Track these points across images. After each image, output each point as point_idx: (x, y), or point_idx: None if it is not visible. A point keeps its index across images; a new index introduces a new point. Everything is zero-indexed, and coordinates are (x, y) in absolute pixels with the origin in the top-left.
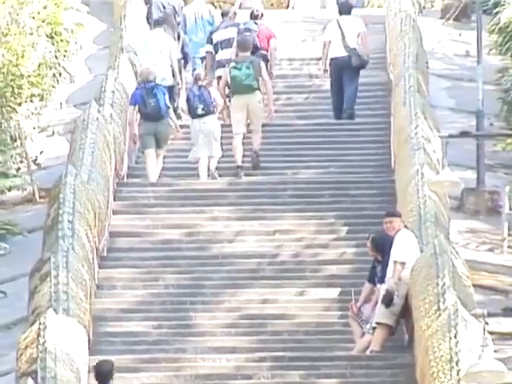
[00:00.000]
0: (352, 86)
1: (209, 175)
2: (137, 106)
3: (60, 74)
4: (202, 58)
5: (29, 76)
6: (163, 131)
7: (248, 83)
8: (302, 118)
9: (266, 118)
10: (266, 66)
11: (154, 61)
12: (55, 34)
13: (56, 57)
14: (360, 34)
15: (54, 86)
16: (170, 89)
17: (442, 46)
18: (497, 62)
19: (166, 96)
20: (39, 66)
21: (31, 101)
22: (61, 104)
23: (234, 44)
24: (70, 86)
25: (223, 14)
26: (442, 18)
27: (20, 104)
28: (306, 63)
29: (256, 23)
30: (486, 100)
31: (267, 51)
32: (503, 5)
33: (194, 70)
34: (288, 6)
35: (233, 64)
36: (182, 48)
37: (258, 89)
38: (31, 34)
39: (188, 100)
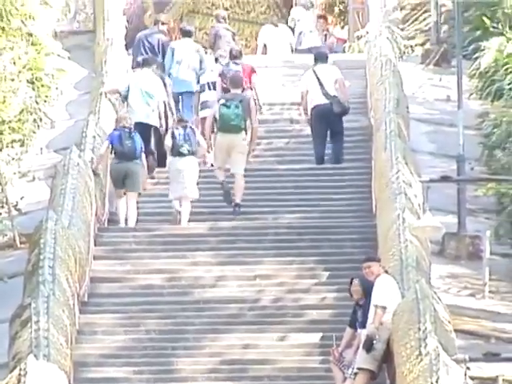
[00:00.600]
0: (339, 134)
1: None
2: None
3: (41, 120)
4: (181, 94)
5: (10, 122)
6: (135, 170)
7: (236, 123)
8: (283, 162)
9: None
10: (256, 103)
11: (141, 101)
12: (36, 79)
13: (37, 102)
14: (337, 80)
15: (34, 132)
16: (155, 130)
17: (422, 91)
18: (477, 106)
19: (142, 144)
20: (21, 112)
21: (12, 146)
22: (41, 149)
23: (218, 86)
24: (50, 131)
25: (216, 59)
26: (422, 62)
27: (0, 149)
28: (286, 108)
29: (236, 63)
30: (467, 145)
31: (251, 88)
32: (483, 50)
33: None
34: (256, 52)
35: (222, 101)
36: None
37: (245, 129)
38: (12, 79)
39: (173, 137)
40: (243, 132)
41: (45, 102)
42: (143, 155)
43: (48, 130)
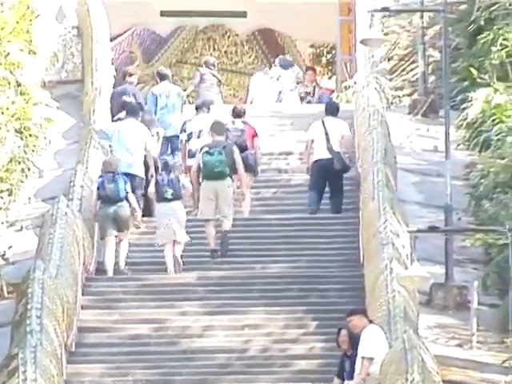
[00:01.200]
0: (338, 191)
1: (174, 263)
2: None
3: (29, 169)
4: (169, 139)
5: None
6: (122, 213)
7: (220, 170)
8: (271, 212)
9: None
10: (255, 165)
11: (125, 152)
12: (24, 129)
13: (25, 152)
14: (344, 136)
15: (22, 181)
16: (139, 179)
17: (410, 141)
18: (465, 157)
19: (128, 185)
20: (9, 161)
21: (0, 196)
22: (29, 199)
23: (207, 132)
24: (38, 180)
25: (197, 108)
26: (409, 113)
27: None
28: (274, 158)
29: (244, 122)
30: (455, 195)
31: (252, 150)
32: (470, 100)
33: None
34: (246, 102)
35: (205, 149)
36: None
37: (230, 175)
38: (0, 129)
39: (157, 184)
40: (228, 178)
41: (33, 151)
42: (132, 196)
43: (36, 179)
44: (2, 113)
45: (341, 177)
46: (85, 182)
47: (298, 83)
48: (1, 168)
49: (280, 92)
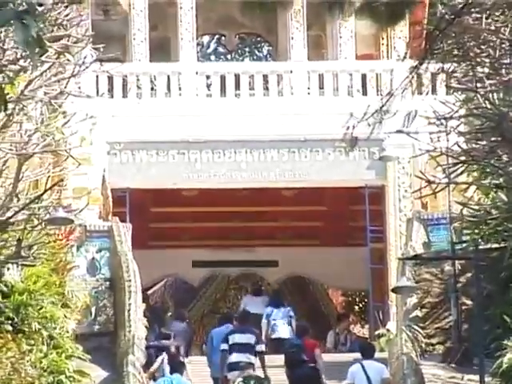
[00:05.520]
0: None
1: None
2: None
3: None
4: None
5: None
6: None
7: None
8: None
9: None
10: (319, 374)
11: None
12: (57, 382)
13: None
14: (384, 380)
15: None
16: None
17: None
18: None
19: None
20: None
21: None
22: None
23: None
24: None
25: (240, 319)
26: (443, 361)
27: None
28: None
29: (299, 337)
30: None
31: (314, 362)
32: (505, 348)
33: None
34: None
35: (240, 379)
36: None
37: None
38: (32, 383)
39: None
40: None
41: None
42: None
43: None
44: (35, 366)
45: None
46: None
47: (290, 317)
48: None
49: (274, 324)
